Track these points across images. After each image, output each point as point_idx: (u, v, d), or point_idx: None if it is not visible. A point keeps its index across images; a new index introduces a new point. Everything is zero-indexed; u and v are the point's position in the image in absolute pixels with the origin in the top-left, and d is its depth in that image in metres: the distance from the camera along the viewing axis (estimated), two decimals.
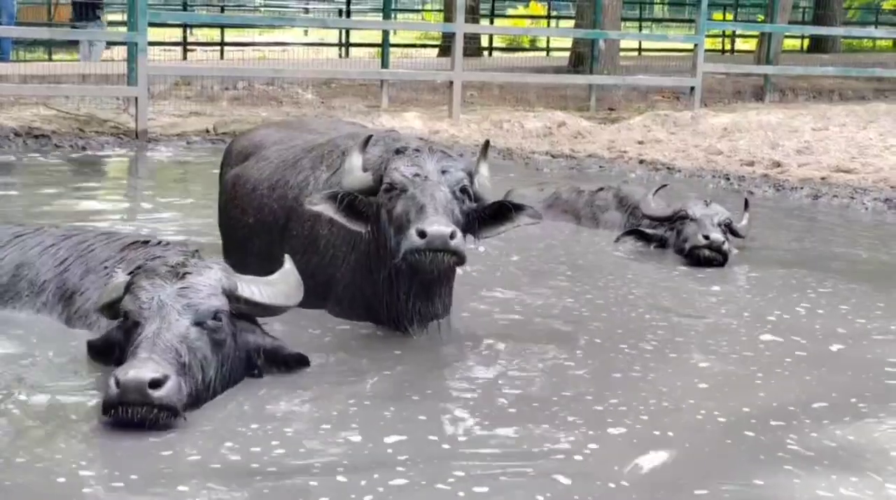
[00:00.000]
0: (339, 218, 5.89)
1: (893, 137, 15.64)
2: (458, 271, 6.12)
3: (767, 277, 8.03)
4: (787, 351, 6.05)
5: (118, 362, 4.65)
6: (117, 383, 4.34)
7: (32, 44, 24.89)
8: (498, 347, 5.92)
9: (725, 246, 8.23)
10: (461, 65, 18.04)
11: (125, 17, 19.65)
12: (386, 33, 20.43)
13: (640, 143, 15.96)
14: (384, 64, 19.81)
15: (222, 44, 29.09)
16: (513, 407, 5.02)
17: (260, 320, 5.25)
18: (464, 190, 5.83)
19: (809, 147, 14.89)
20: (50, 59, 23.98)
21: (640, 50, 33.78)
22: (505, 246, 8.18)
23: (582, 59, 23.17)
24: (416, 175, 5.73)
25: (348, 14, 33.56)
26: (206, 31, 31.62)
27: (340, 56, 30.05)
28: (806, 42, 38.40)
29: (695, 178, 13.53)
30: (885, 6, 46.26)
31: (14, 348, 5.43)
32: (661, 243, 8.71)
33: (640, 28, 41.33)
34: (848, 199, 11.95)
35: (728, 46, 37.58)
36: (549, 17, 40.46)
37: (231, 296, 4.95)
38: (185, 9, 31.10)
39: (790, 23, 30.77)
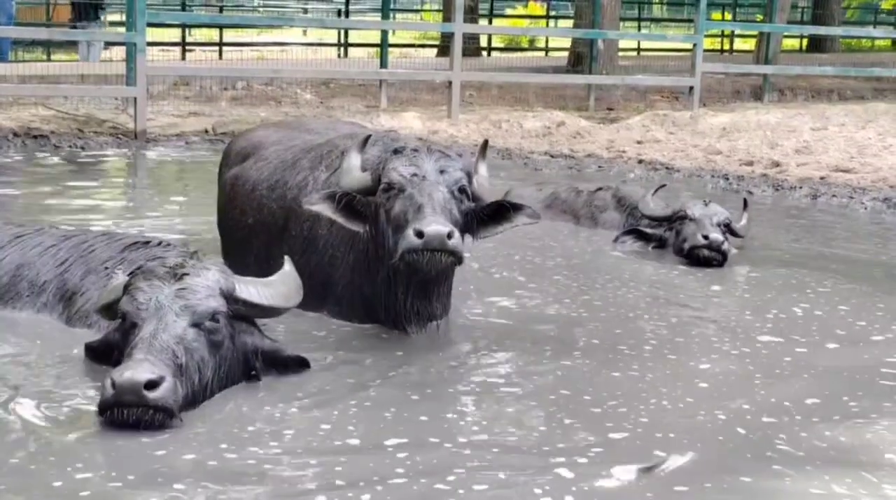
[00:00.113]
0: (338, 218, 5.89)
1: (892, 136, 15.65)
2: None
3: (766, 276, 8.03)
4: (786, 351, 6.04)
5: (117, 364, 4.64)
6: (113, 384, 4.33)
7: (31, 44, 24.88)
8: (497, 347, 5.91)
9: (725, 246, 8.23)
10: (460, 65, 18.04)
11: (124, 18, 19.63)
12: (385, 33, 20.45)
13: (639, 143, 15.97)
14: (383, 64, 19.81)
15: (221, 44, 29.09)
16: (511, 407, 5.02)
17: (260, 321, 5.24)
18: (462, 190, 5.83)
19: (808, 147, 14.90)
20: (49, 60, 23.97)
21: (638, 50, 33.80)
22: (503, 246, 8.17)
23: (581, 58, 23.19)
24: (415, 175, 5.73)
25: (347, 14, 33.56)
26: (204, 31, 31.60)
27: (339, 56, 30.03)
28: (805, 42, 38.42)
29: (694, 178, 13.53)
30: (884, 6, 46.24)
31: (12, 349, 5.42)
32: (661, 243, 8.71)
33: (639, 28, 41.34)
34: (847, 198, 11.95)
35: (727, 46, 37.60)
36: (547, 16, 40.48)
37: (229, 297, 4.94)
38: (183, 9, 31.11)
39: (789, 23, 30.78)
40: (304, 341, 5.76)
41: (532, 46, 35.81)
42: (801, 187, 12.57)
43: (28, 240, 6.09)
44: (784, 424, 4.87)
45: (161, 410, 4.38)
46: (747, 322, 6.66)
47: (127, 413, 4.35)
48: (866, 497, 4.17)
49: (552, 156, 15.10)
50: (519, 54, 32.94)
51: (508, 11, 43.30)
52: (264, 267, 6.39)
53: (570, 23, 30.85)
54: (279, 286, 5.21)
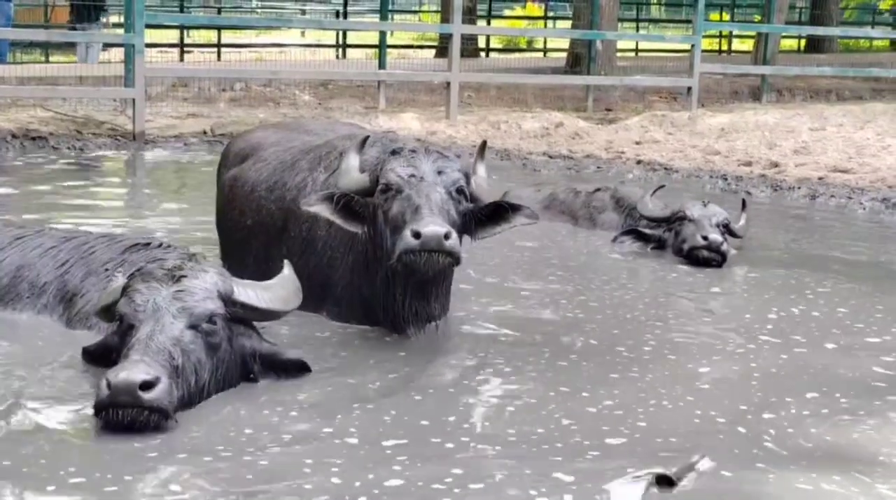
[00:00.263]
0: (336, 219, 5.89)
1: (891, 136, 15.67)
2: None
3: (765, 277, 8.03)
4: (786, 352, 6.04)
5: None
6: (108, 384, 4.33)
7: (29, 46, 24.87)
8: (496, 348, 5.90)
9: (724, 247, 8.23)
10: (458, 66, 18.04)
11: (122, 19, 19.63)
12: (383, 34, 20.46)
13: (638, 143, 15.97)
14: (381, 65, 19.82)
15: (219, 45, 29.07)
16: (511, 407, 5.01)
17: (260, 325, 5.23)
18: (460, 191, 5.83)
19: (807, 147, 14.91)
20: (47, 61, 23.97)
21: (637, 50, 33.82)
22: (502, 247, 8.17)
23: (579, 59, 23.20)
24: (412, 176, 5.73)
25: (345, 15, 33.58)
26: (202, 32, 31.60)
27: (337, 57, 30.04)
28: (803, 42, 38.45)
29: (692, 178, 13.53)
30: (882, 6, 46.29)
31: (11, 351, 5.42)
32: (660, 244, 8.71)
33: (637, 29, 41.37)
34: (845, 199, 11.95)
35: (725, 47, 37.63)
36: (545, 17, 40.50)
37: (227, 300, 4.93)
38: (182, 10, 31.11)
39: (787, 23, 30.80)
40: (305, 342, 5.76)
41: (530, 47, 35.83)
42: (799, 188, 12.57)
43: (28, 241, 6.10)
44: (782, 424, 4.87)
45: (156, 411, 4.37)
46: (746, 323, 6.66)
47: (122, 414, 4.34)
48: (858, 496, 4.17)
49: (551, 157, 15.10)
50: (517, 55, 32.95)
51: (506, 12, 43.32)
52: (263, 268, 6.39)
53: (568, 24, 30.87)
54: (278, 290, 5.21)
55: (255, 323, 5.19)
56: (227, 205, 7.07)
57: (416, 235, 5.40)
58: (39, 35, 22.02)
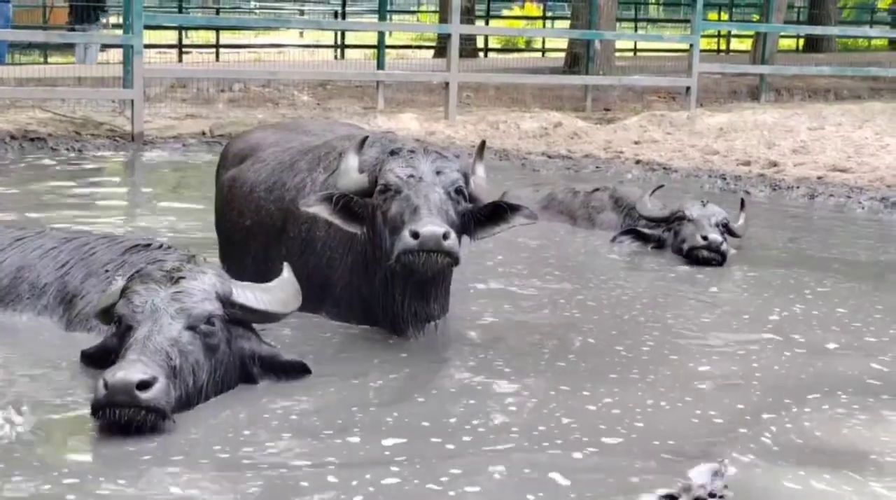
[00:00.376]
0: (335, 220, 5.89)
1: (889, 136, 15.68)
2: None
3: (765, 276, 8.04)
4: (787, 351, 6.04)
5: None
6: (105, 384, 4.32)
7: (28, 47, 24.86)
8: (496, 349, 5.89)
9: (724, 246, 8.24)
10: (457, 66, 18.04)
11: (121, 20, 19.63)
12: (381, 35, 20.46)
13: (637, 143, 15.97)
14: (380, 65, 19.83)
15: (218, 46, 29.08)
16: (514, 406, 5.01)
17: (260, 326, 5.23)
18: (459, 191, 5.83)
19: (805, 146, 14.92)
20: (45, 62, 23.96)
21: (635, 50, 33.82)
22: (500, 248, 8.17)
23: (578, 59, 23.20)
24: (411, 176, 5.73)
25: (344, 16, 33.59)
26: (201, 33, 31.60)
27: (336, 58, 30.06)
28: (801, 42, 38.46)
29: (691, 178, 13.53)
30: (880, 5, 46.32)
31: (9, 352, 5.41)
32: (659, 244, 8.71)
33: (636, 28, 41.38)
34: (844, 198, 11.96)
35: (723, 46, 37.64)
36: (544, 17, 40.50)
37: (225, 301, 4.93)
38: (180, 11, 31.10)
39: (785, 23, 30.80)
40: (307, 343, 5.76)
41: (529, 47, 35.84)
42: (798, 187, 12.58)
43: (29, 242, 6.09)
44: (780, 423, 4.87)
45: (153, 410, 4.36)
46: (746, 322, 6.67)
47: (119, 414, 4.33)
48: (851, 495, 4.17)
49: (549, 157, 15.10)
50: (516, 55, 32.96)
51: (505, 12, 43.33)
52: (262, 269, 6.40)
53: (566, 23, 30.88)
54: (277, 292, 5.20)
55: (255, 325, 5.18)
56: (226, 206, 7.07)
57: (415, 235, 5.40)
58: (38, 36, 22.02)
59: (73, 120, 16.05)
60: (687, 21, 24.53)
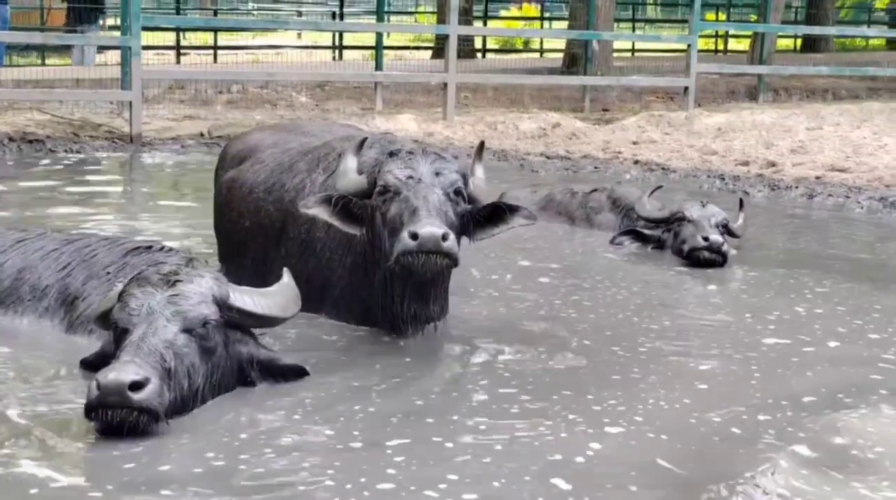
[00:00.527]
0: (334, 221, 5.89)
1: (887, 135, 15.68)
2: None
3: (764, 276, 8.04)
4: (788, 351, 6.04)
5: None
6: (98, 385, 4.31)
7: (25, 49, 24.84)
8: (497, 349, 5.88)
9: (725, 247, 8.22)
10: (455, 66, 18.03)
11: (117, 22, 19.62)
12: (379, 35, 20.46)
13: (635, 143, 15.97)
14: (378, 66, 19.82)
15: (215, 47, 29.06)
16: (515, 407, 5.00)
17: (259, 331, 5.22)
18: (458, 192, 5.83)
19: (804, 146, 14.92)
20: (43, 64, 23.94)
21: (633, 51, 33.83)
22: (499, 248, 8.16)
23: (576, 60, 23.21)
24: (410, 177, 5.73)
25: (341, 17, 33.57)
26: (199, 34, 31.59)
27: (334, 59, 30.05)
28: (799, 42, 38.48)
29: (690, 178, 13.53)
30: (878, 5, 46.35)
31: (7, 354, 5.41)
32: (659, 245, 8.69)
33: (634, 29, 41.37)
34: (843, 198, 11.96)
35: (721, 46, 37.65)
36: (542, 18, 40.50)
37: (222, 305, 4.92)
38: (178, 13, 31.07)
39: (783, 23, 30.82)
40: (310, 345, 5.76)
41: (527, 48, 35.84)
42: (797, 187, 12.58)
43: (30, 244, 6.09)
44: (778, 424, 4.87)
45: (146, 412, 4.34)
46: (746, 323, 6.67)
47: (111, 415, 4.31)
48: (850, 495, 4.18)
49: (548, 157, 15.10)
50: (514, 56, 32.94)
51: (503, 13, 43.32)
52: (261, 270, 6.40)
53: (564, 24, 30.86)
54: (276, 297, 5.18)
55: (254, 330, 5.17)
56: (225, 207, 7.06)
57: (414, 236, 5.40)
58: (36, 38, 21.98)
59: (72, 122, 16.03)
60: (685, 21, 24.49)
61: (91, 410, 4.35)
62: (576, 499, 4.09)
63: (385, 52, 21.08)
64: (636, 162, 14.61)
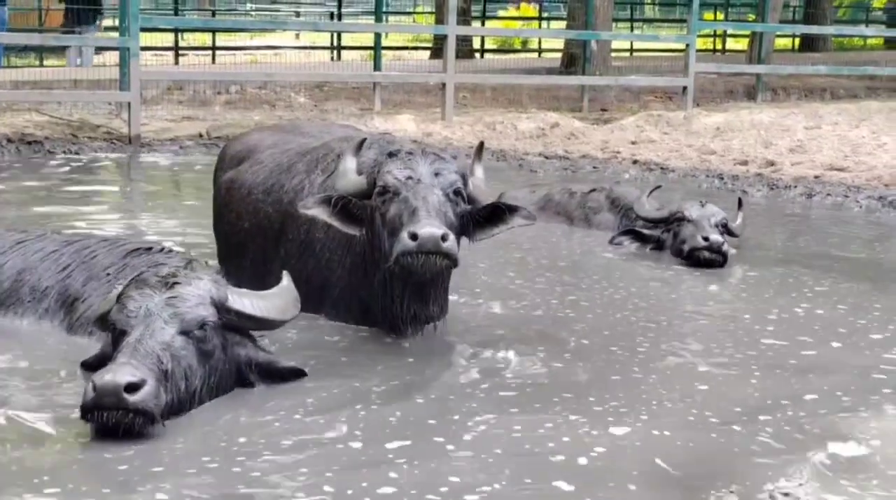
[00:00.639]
0: (334, 222, 5.88)
1: (886, 135, 15.68)
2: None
3: (764, 276, 8.04)
4: (788, 351, 6.04)
5: None
6: (94, 386, 4.30)
7: (24, 50, 24.83)
8: (498, 351, 5.86)
9: (725, 247, 8.21)
10: (453, 67, 18.04)
11: (116, 23, 19.61)
12: (378, 36, 20.45)
13: (634, 143, 15.97)
14: (376, 66, 19.82)
15: (214, 48, 29.06)
16: (515, 407, 4.99)
17: (259, 333, 5.21)
18: (457, 192, 5.83)
19: (802, 146, 14.92)
20: (41, 65, 23.93)
21: (631, 50, 33.83)
22: (498, 249, 8.16)
23: (574, 60, 23.19)
24: (409, 178, 5.73)
25: (340, 17, 33.57)
26: (197, 35, 31.58)
27: (332, 59, 30.04)
28: (797, 41, 38.49)
29: (689, 178, 13.53)
30: (875, 4, 46.37)
31: (5, 357, 5.40)
32: (658, 245, 8.69)
33: (632, 28, 41.35)
34: (842, 197, 11.96)
35: (719, 46, 37.65)
36: (540, 18, 40.50)
37: (220, 307, 4.90)
38: (176, 13, 31.06)
39: (781, 22, 30.82)
40: (311, 346, 5.75)
41: (525, 48, 35.84)
42: (795, 186, 12.58)
43: (30, 245, 6.08)
44: (777, 424, 4.87)
45: (141, 413, 4.33)
46: (745, 322, 6.66)
47: (107, 416, 4.30)
48: (850, 494, 4.18)
49: (547, 157, 15.10)
50: (512, 56, 32.93)
51: (501, 13, 43.31)
52: (261, 271, 6.40)
53: (562, 24, 30.86)
54: (275, 299, 5.17)
55: (253, 332, 5.16)
56: (224, 208, 7.06)
57: (414, 237, 5.39)
58: (34, 39, 21.98)
59: (70, 123, 16.02)
60: (683, 21, 24.48)
61: (87, 411, 4.34)
62: None
63: (383, 52, 21.08)
64: (635, 162, 14.61)
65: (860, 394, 5.33)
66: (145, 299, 4.77)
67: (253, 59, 27.98)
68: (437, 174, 5.78)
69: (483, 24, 35.77)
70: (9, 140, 14.43)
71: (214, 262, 6.95)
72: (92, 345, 5.29)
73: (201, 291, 4.88)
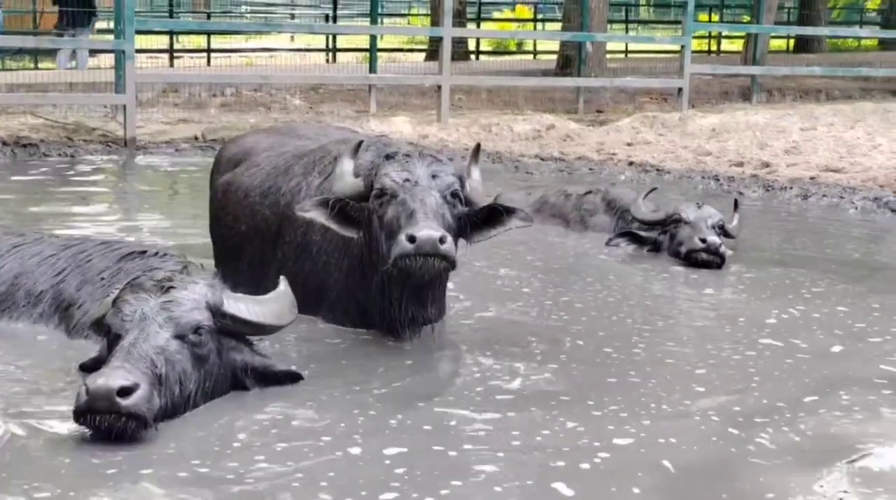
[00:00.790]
0: (331, 224, 5.88)
1: (881, 136, 15.72)
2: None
3: (760, 277, 8.04)
4: (786, 352, 6.04)
5: None
6: (87, 390, 4.29)
7: (18, 52, 24.80)
8: (498, 351, 5.87)
9: (722, 249, 8.22)
10: (449, 69, 18.05)
11: (111, 25, 19.60)
12: (373, 38, 20.47)
13: (629, 145, 15.99)
14: (372, 69, 19.83)
15: (209, 50, 29.04)
16: (514, 410, 4.98)
17: (256, 337, 5.20)
18: (455, 194, 5.82)
19: (798, 147, 14.94)
20: (36, 68, 23.90)
21: (626, 52, 33.86)
22: (496, 249, 8.16)
23: (569, 61, 23.21)
24: (407, 180, 5.72)
25: (335, 19, 33.56)
26: (192, 37, 31.55)
27: (328, 61, 30.04)
28: (792, 42, 38.56)
29: (684, 179, 13.54)
30: (869, 6, 46.45)
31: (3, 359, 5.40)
32: (655, 247, 8.68)
33: (627, 30, 41.41)
34: (837, 198, 11.98)
35: (714, 47, 37.71)
36: (535, 20, 40.54)
37: (216, 312, 4.89)
38: (171, 16, 31.05)
39: (775, 23, 30.87)
40: (310, 349, 5.74)
41: (520, 50, 35.86)
42: (791, 188, 12.59)
43: (27, 249, 6.07)
44: (776, 425, 4.87)
45: (134, 417, 4.31)
46: (742, 324, 6.66)
47: (99, 420, 4.29)
48: (850, 494, 4.18)
49: (543, 159, 15.10)
50: (507, 58, 32.95)
51: (496, 15, 43.35)
52: (258, 274, 6.39)
53: (558, 26, 30.90)
54: (271, 304, 5.15)
55: (250, 337, 5.15)
56: (221, 211, 7.05)
57: (412, 239, 5.39)
58: (28, 42, 21.96)
59: (65, 125, 16.01)
60: (678, 22, 24.52)
61: (80, 414, 4.33)
62: None
63: (379, 54, 21.09)
64: (630, 163, 14.62)
65: (859, 395, 5.33)
66: (141, 302, 4.76)
67: (248, 62, 27.97)
68: (434, 176, 5.77)
69: (478, 25, 35.81)
70: (4, 143, 14.41)
71: (210, 265, 6.95)
72: (87, 348, 5.27)
73: (197, 295, 4.87)
